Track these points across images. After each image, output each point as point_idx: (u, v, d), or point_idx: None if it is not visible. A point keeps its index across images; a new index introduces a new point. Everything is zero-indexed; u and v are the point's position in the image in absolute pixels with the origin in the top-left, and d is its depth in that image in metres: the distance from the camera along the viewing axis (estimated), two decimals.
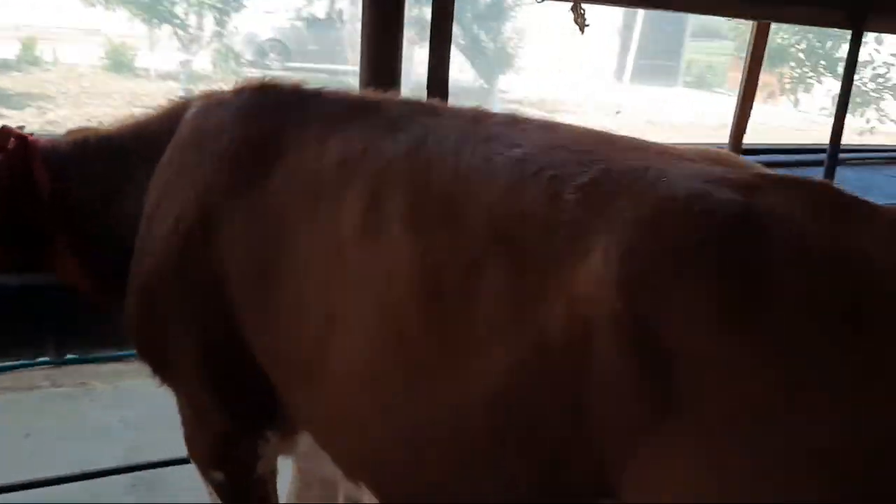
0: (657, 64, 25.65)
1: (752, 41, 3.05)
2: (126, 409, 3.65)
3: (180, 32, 14.57)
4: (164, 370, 1.81)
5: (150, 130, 1.86)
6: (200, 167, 1.66)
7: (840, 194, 1.20)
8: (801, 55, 11.69)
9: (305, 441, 1.69)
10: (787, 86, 11.95)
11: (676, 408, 1.09)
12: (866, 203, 1.18)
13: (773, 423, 1.04)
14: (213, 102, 1.76)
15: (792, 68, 11.91)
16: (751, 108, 3.19)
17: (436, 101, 1.66)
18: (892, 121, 10.66)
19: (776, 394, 1.04)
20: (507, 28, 17.73)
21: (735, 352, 1.06)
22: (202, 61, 15.38)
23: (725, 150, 1.43)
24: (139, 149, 1.85)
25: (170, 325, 1.70)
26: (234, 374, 1.67)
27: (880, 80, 11.24)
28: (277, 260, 1.54)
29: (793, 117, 11.43)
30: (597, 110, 20.08)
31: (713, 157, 1.35)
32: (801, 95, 11.26)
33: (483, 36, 17.28)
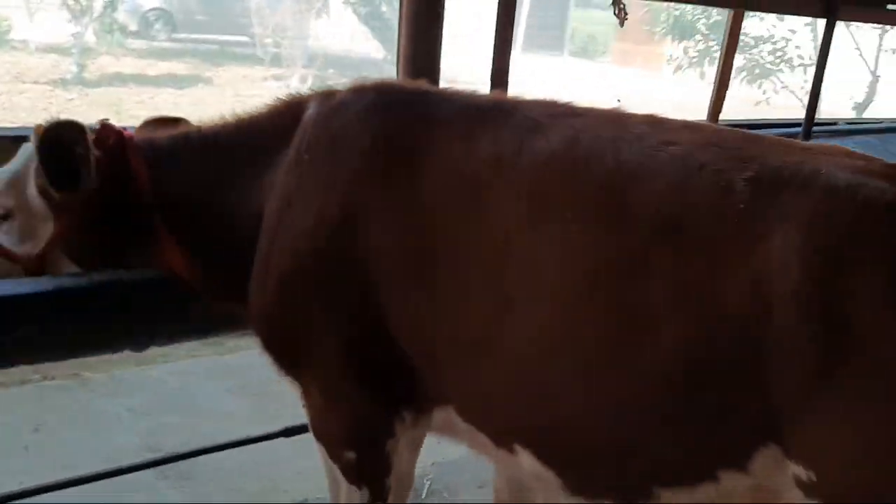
0: (544, 34, 26.30)
1: (728, 29, 3.32)
2: (128, 398, 3.63)
3: (70, 3, 13.75)
4: (293, 360, 1.86)
5: (260, 129, 1.90)
6: (340, 167, 1.72)
7: None
8: (706, 29, 12.37)
9: (441, 417, 1.79)
10: (694, 59, 12.65)
11: (850, 372, 1.29)
12: None
13: None
14: (335, 103, 1.80)
15: (697, 41, 12.60)
16: (726, 90, 3.47)
17: (570, 102, 1.77)
18: (791, 91, 11.50)
19: None
20: None
21: None
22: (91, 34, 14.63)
23: (836, 145, 1.63)
24: (247, 146, 1.88)
25: (311, 317, 1.75)
26: (377, 359, 1.74)
27: (778, 53, 12.10)
28: (435, 251, 1.62)
29: (701, 90, 12.21)
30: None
31: (841, 152, 1.56)
32: (706, 69, 11.97)
33: (384, 6, 17.19)
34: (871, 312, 1.29)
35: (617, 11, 2.56)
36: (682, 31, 12.86)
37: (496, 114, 1.69)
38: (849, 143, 4.02)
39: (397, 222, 1.66)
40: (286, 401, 3.68)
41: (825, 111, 12.48)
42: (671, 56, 13.39)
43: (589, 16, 27.36)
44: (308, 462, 3.19)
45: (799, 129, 3.46)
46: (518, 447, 1.65)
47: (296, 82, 15.89)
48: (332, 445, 1.89)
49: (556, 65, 23.27)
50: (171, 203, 1.91)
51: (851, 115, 11.75)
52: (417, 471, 2.51)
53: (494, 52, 2.74)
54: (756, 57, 12.00)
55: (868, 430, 1.31)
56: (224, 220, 1.90)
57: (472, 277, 1.59)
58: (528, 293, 1.53)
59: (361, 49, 18.67)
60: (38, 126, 1.86)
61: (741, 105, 12.77)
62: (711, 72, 13.38)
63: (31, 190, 1.90)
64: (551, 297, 1.51)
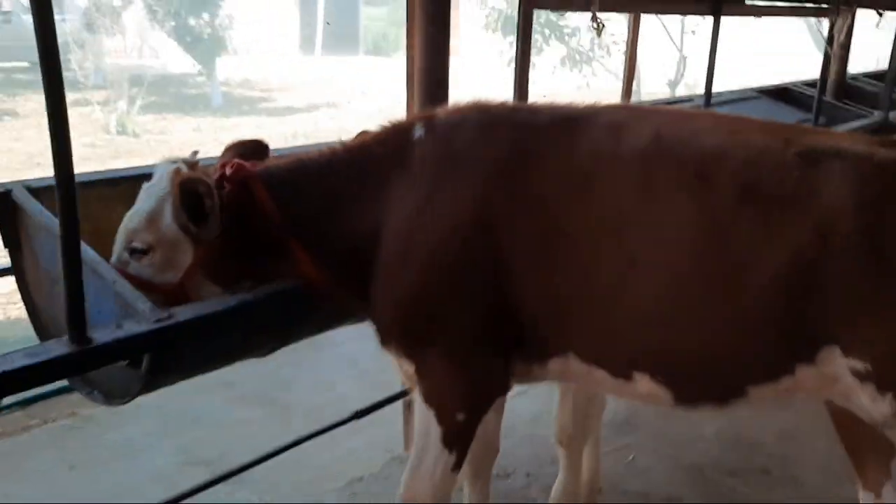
0: (340, 34, 26.76)
1: (632, 29, 3.97)
2: (136, 426, 3.71)
3: None
4: (420, 340, 2.16)
5: (371, 153, 2.21)
6: (469, 176, 2.07)
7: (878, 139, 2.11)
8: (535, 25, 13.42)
9: (557, 365, 2.17)
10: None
11: (889, 275, 1.89)
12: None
13: None
14: (447, 125, 2.17)
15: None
16: (632, 84, 4.11)
17: (636, 104, 2.23)
18: (614, 74, 12.79)
19: None
20: (220, 13, 17.47)
21: None
22: None
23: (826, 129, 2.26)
24: (361, 169, 2.20)
25: (448, 301, 2.08)
26: (503, 328, 2.11)
27: (595, 41, 13.38)
28: (557, 231, 2.02)
29: (535, 77, 13.27)
30: (304, 85, 20.72)
31: (835, 133, 2.18)
32: (535, 59, 12.96)
33: (193, 22, 16.86)
34: None
35: (595, 25, 3.08)
36: (512, 27, 13.86)
37: (582, 119, 2.14)
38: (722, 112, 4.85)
39: (523, 212, 2.05)
40: (283, 404, 3.96)
41: (644, 90, 14.24)
42: (501, 51, 14.36)
43: (380, 13, 28.15)
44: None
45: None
46: (636, 374, 2.09)
47: (99, 107, 15.29)
48: (447, 409, 2.19)
49: (354, 64, 23.95)
50: (299, 223, 2.20)
51: (667, 91, 13.37)
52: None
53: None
54: (577, 46, 13.27)
55: None
56: (347, 233, 2.21)
57: (599, 248, 2.02)
58: (647, 252, 1.98)
59: (178, 65, 18.21)
60: (175, 175, 2.14)
61: (567, 89, 14.20)
62: (540, 62, 14.79)
63: (170, 225, 2.13)
64: (666, 253, 1.98)
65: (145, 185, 2.21)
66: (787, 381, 2.03)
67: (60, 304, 1.97)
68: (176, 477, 3.28)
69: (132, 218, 2.15)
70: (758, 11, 4.28)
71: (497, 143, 2.12)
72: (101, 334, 1.83)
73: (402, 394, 3.23)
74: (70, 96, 1.80)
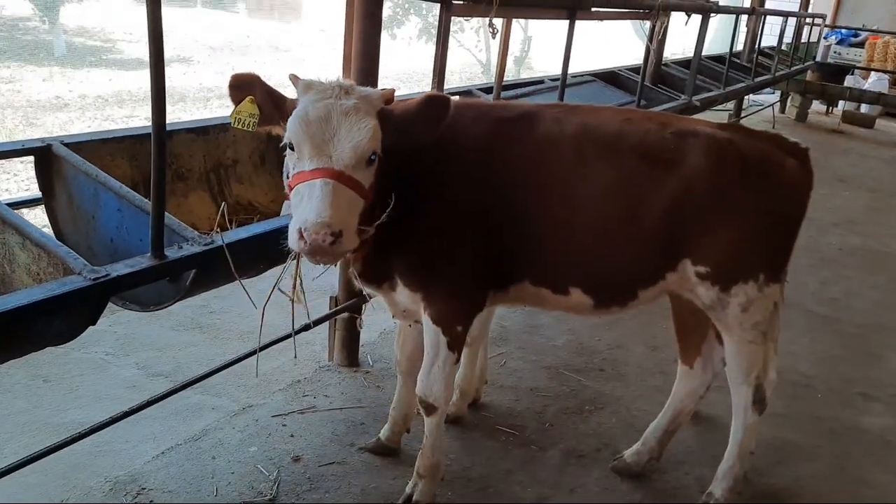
0: None
1: (504, 29, 4.93)
2: (97, 348, 4.31)
3: None
4: (430, 276, 2.85)
5: None
6: (471, 153, 2.82)
7: (743, 127, 3.23)
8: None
9: (514, 290, 3.01)
10: (386, 21, 14.36)
11: (721, 212, 2.89)
12: (750, 128, 3.22)
13: (749, 208, 2.94)
14: (463, 114, 2.81)
15: (389, 7, 14.32)
16: (504, 67, 5.08)
17: (574, 104, 3.15)
18: (467, 49, 13.80)
19: (750, 197, 2.96)
20: None
21: (741, 199, 2.95)
22: None
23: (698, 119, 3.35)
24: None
25: (455, 248, 2.82)
26: (490, 265, 2.90)
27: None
28: (525, 190, 2.84)
29: (393, 46, 14.05)
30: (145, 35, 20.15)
31: (699, 121, 3.25)
32: (395, 30, 13.75)
33: None
34: (731, 188, 2.92)
35: (492, 30, 3.96)
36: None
37: (536, 113, 2.99)
38: (555, 94, 5.93)
39: (502, 176, 2.86)
40: (218, 329, 4.66)
41: (492, 68, 15.42)
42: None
43: None
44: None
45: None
46: (572, 289, 3.00)
47: None
48: (450, 324, 2.92)
49: (194, 16, 23.51)
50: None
51: (513, 69, 14.59)
52: None
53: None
54: (433, 20, 14.19)
55: (728, 237, 2.94)
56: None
57: (548, 199, 2.89)
58: (581, 201, 2.88)
59: (18, 11, 17.25)
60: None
61: (428, 62, 14.90)
62: (400, 33, 15.63)
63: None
64: (593, 200, 2.88)
65: (331, 100, 2.44)
66: (661, 284, 3.05)
67: (94, 234, 2.67)
68: (145, 385, 3.96)
69: (361, 129, 2.42)
70: (599, 16, 5.37)
71: (486, 129, 2.93)
72: (170, 253, 2.58)
73: (323, 319, 4.01)
74: None
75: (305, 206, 2.32)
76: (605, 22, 6.13)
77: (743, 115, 12.53)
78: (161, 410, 3.71)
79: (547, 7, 4.87)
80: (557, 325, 5.01)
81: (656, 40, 7.44)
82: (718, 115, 13.47)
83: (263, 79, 2.53)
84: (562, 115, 3.02)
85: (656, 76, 8.02)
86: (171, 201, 3.17)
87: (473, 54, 13.74)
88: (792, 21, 12.51)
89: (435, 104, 2.58)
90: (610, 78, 7.44)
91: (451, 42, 15.62)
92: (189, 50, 19.52)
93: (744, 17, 11.11)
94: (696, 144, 2.93)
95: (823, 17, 15.65)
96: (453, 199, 2.84)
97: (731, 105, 12.17)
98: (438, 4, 3.83)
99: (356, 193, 2.42)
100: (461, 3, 3.89)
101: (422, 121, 2.58)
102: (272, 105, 2.52)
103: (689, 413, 3.59)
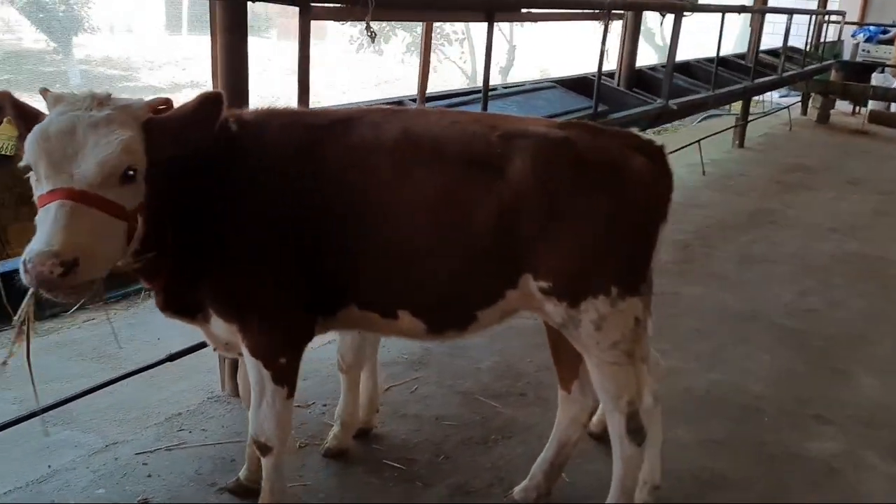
0: (206, 13, 26.41)
1: (424, 35, 4.68)
2: None
3: None
4: (241, 307, 2.61)
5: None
6: (276, 166, 2.57)
7: (590, 125, 2.90)
8: None
9: (343, 316, 2.73)
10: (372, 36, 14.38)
11: (556, 219, 2.61)
12: (596, 126, 2.90)
13: (590, 214, 2.61)
14: (253, 123, 2.63)
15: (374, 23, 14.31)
16: (427, 74, 4.82)
17: (398, 107, 2.89)
18: (453, 62, 13.65)
19: (591, 202, 2.62)
20: None
21: (578, 204, 2.65)
22: None
23: (538, 117, 3.02)
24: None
25: (264, 276, 2.58)
26: (312, 285, 2.64)
27: (438, 29, 14.18)
28: (342, 204, 2.57)
29: (382, 63, 14.06)
30: (168, 64, 20.54)
31: (538, 120, 2.94)
32: (384, 46, 13.70)
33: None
34: (565, 192, 2.64)
35: (369, 34, 3.71)
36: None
37: (353, 119, 2.73)
38: (506, 102, 5.66)
39: (316, 192, 2.59)
40: (116, 359, 4.46)
41: (479, 80, 15.25)
42: (352, 36, 14.92)
43: None
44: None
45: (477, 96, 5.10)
46: (400, 312, 2.72)
47: None
48: (271, 356, 2.68)
49: (263, 46, 23.75)
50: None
51: (499, 78, 14.37)
52: None
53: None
54: (418, 34, 14.06)
55: (568, 247, 2.61)
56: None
57: (366, 213, 2.60)
58: (401, 213, 2.60)
59: (33, 43, 17.71)
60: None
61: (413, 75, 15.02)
62: (389, 49, 15.54)
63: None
64: (415, 212, 2.60)
65: (79, 112, 2.20)
66: (501, 303, 2.74)
67: None
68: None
69: (110, 142, 2.16)
70: (532, 17, 5.06)
71: (294, 138, 2.67)
72: None
73: (187, 351, 3.79)
74: None
75: (37, 235, 2.08)
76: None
77: (751, 118, 11.99)
78: (20, 448, 3.51)
79: (454, 9, 4.58)
80: (487, 346, 4.67)
81: (627, 40, 7.12)
82: (725, 120, 12.99)
83: (14, 95, 2.31)
84: (381, 120, 2.73)
85: (632, 80, 7.64)
86: None
87: (459, 66, 13.67)
88: (801, 19, 11.95)
89: (207, 103, 2.33)
90: (576, 84, 7.10)
91: (439, 55, 15.49)
92: (207, 75, 19.70)
93: (745, 17, 10.63)
94: (525, 146, 2.63)
95: (843, 13, 14.99)
96: (259, 216, 2.58)
97: (739, 108, 11.65)
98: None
99: (108, 215, 2.17)
100: (323, 6, 3.64)
101: (195, 123, 2.33)
102: (24, 123, 2.28)
103: (575, 443, 3.24)
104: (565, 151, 2.65)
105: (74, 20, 17.34)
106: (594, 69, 7.63)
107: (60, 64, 18.00)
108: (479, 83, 5.35)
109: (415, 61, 16.16)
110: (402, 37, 14.49)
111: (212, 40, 3.58)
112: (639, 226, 2.70)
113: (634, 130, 5.62)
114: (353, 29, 14.20)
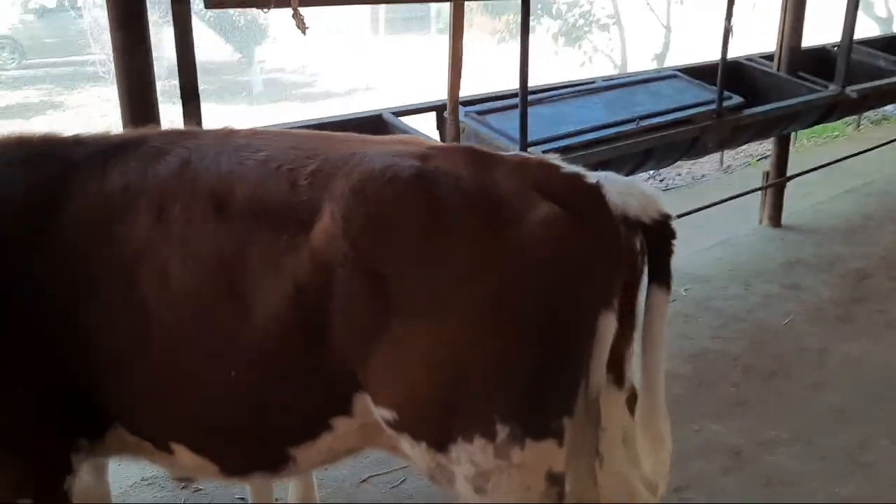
0: (408, 14, 26.55)
1: (453, 17, 3.68)
2: None
3: None
4: None
5: None
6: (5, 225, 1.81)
7: (481, 151, 1.80)
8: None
9: (113, 439, 1.91)
10: (514, 29, 13.28)
11: (396, 312, 1.61)
12: (497, 154, 1.79)
13: (454, 304, 1.59)
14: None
15: (515, 13, 13.25)
16: (461, 70, 3.80)
17: (192, 127, 2.00)
18: (599, 51, 12.24)
19: (454, 285, 1.60)
20: None
21: (428, 260, 1.61)
22: None
23: (412, 136, 1.98)
24: None
25: None
26: (59, 404, 1.84)
27: (587, 15, 12.81)
28: (89, 283, 1.77)
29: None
30: (360, 68, 20.72)
31: (403, 140, 1.89)
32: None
33: (232, 10, 17.20)
34: (403, 262, 1.61)
35: (297, 22, 2.81)
36: (497, 6, 13.45)
37: (124, 148, 1.90)
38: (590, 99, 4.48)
39: (53, 261, 1.80)
40: None
41: (631, 67, 13.64)
42: (495, 29, 13.98)
43: None
44: None
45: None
46: (174, 445, 1.86)
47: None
48: (7, 496, 1.92)
49: (424, 43, 23.65)
50: None
51: (653, 66, 12.66)
52: None
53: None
54: (569, 21, 12.72)
55: (419, 357, 1.62)
56: None
57: (115, 297, 1.78)
58: (159, 303, 1.75)
59: (217, 54, 18.61)
60: None
61: (567, 68, 13.64)
62: (533, 40, 14.30)
63: None
64: (177, 297, 1.74)
65: None
66: (328, 437, 1.81)
67: None
68: None
69: None
70: None
71: (34, 181, 1.88)
72: None
73: None
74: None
75: None
76: None
77: None
78: None
79: None
80: None
81: (789, 9, 5.58)
82: None
83: None
84: (163, 148, 1.87)
85: (797, 62, 5.95)
86: None
87: (606, 54, 12.00)
88: None
89: None
90: (710, 71, 5.61)
91: (587, 46, 13.82)
92: (393, 77, 19.55)
93: None
94: (342, 190, 1.66)
95: None
96: None
97: None
98: None
99: None
100: None
101: None
102: None
103: None
104: (410, 196, 1.63)
105: (257, 30, 17.99)
106: (761, 50, 6.19)
107: (243, 72, 18.78)
108: (630, 70, 4.23)
109: (564, 50, 14.85)
110: (546, 25, 13.24)
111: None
112: (546, 319, 1.62)
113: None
114: (498, 22, 13.27)
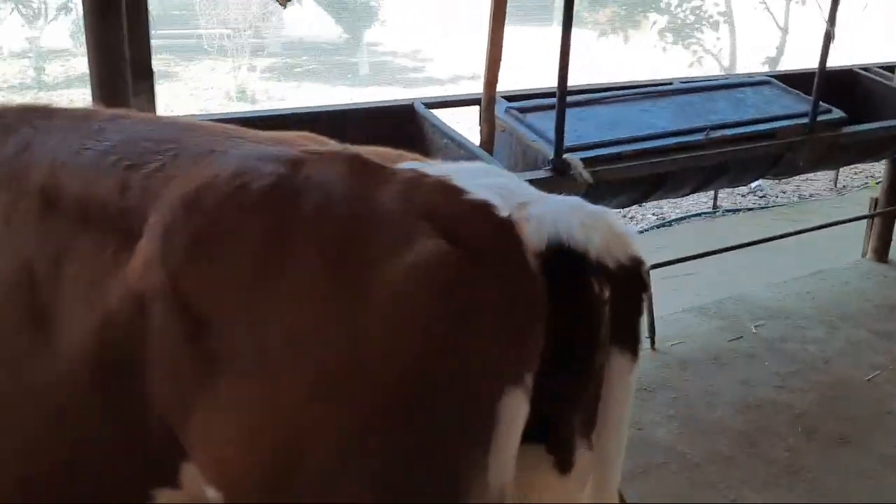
0: (529, 3, 25.94)
1: (494, 4, 3.25)
2: None
3: (22, 8, 13.76)
4: None
5: None
6: None
7: (371, 163, 1.36)
8: None
9: None
10: (616, 24, 12.59)
11: (219, 365, 1.23)
12: (387, 168, 1.35)
13: (288, 362, 1.20)
14: None
15: (620, 6, 12.57)
16: (499, 63, 3.37)
17: (52, 105, 1.69)
18: (707, 52, 11.35)
19: (294, 337, 1.20)
20: None
21: (261, 305, 1.22)
22: (52, 37, 14.59)
23: (304, 134, 1.56)
24: None
25: None
26: None
27: (698, 11, 11.92)
28: None
29: (624, 53, 12.29)
30: (474, 55, 20.32)
31: (285, 139, 1.49)
32: (630, 32, 11.90)
33: None
34: (231, 302, 1.23)
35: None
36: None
37: None
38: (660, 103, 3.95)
39: None
40: None
41: (740, 70, 12.66)
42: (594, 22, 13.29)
43: None
44: None
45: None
46: None
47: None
48: None
49: (545, 36, 23.02)
50: None
51: (765, 69, 11.60)
52: None
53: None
54: (678, 17, 11.86)
55: (245, 427, 1.24)
56: None
57: None
58: None
59: (327, 34, 18.68)
60: None
61: (676, 67, 12.77)
62: (635, 35, 13.49)
63: None
64: None
65: None
66: None
67: None
68: None
69: None
70: None
71: None
72: None
73: None
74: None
75: None
76: None
77: None
78: None
79: None
80: None
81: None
82: None
83: None
84: (6, 128, 1.54)
85: None
86: None
87: (713, 54, 11.01)
88: None
89: None
90: (808, 80, 4.91)
91: (695, 44, 12.80)
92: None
93: None
94: (171, 198, 1.30)
95: None
96: None
97: None
98: None
99: None
100: None
101: None
102: None
103: None
104: (256, 215, 1.26)
105: (368, 12, 17.90)
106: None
107: (352, 54, 18.71)
108: (739, 71, 3.71)
109: (671, 48, 13.93)
110: (652, 19, 12.34)
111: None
112: (412, 394, 1.20)
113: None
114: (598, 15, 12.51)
